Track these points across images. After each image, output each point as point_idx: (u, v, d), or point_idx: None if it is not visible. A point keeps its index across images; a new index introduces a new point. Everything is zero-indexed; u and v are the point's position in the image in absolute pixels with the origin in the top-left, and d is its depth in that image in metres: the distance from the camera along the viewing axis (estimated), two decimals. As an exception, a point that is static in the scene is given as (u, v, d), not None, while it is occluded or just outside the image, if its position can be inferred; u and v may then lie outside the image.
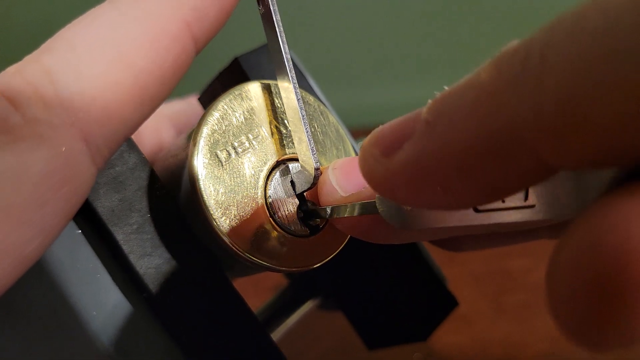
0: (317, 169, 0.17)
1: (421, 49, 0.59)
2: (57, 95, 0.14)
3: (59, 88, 0.14)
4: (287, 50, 0.18)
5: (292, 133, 0.18)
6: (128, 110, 0.15)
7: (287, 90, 0.18)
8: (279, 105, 0.19)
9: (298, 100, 0.18)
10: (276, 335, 0.26)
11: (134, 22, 0.15)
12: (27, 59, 0.15)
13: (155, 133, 0.24)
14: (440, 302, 0.24)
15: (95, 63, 0.14)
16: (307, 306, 0.27)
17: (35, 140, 0.13)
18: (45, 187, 0.13)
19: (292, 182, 0.18)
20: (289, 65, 0.18)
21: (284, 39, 0.18)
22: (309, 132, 0.18)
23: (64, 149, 0.14)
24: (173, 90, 0.17)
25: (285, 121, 0.19)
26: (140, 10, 0.15)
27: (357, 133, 0.28)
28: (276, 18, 0.18)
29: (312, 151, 0.18)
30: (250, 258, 0.17)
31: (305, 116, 0.18)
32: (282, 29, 0.18)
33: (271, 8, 0.18)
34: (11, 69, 0.14)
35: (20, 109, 0.14)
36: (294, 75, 0.18)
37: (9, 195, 0.13)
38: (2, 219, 0.13)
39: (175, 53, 0.16)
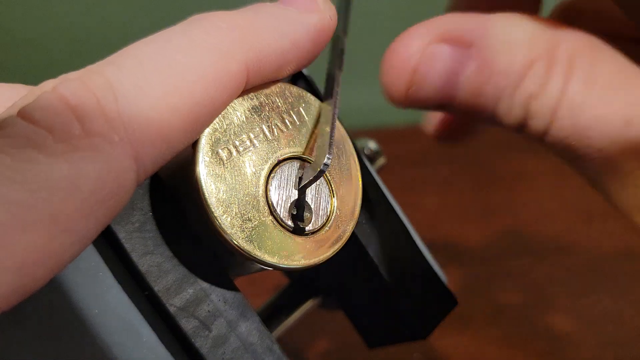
0: (329, 158, 0.18)
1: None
2: (119, 111, 0.14)
3: (121, 104, 0.14)
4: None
5: (321, 124, 0.19)
6: (178, 137, 0.15)
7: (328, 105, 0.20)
8: (280, 104, 0.19)
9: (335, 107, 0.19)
10: (276, 334, 0.26)
11: (202, 54, 0.16)
12: (91, 68, 0.15)
13: None
14: (440, 302, 0.24)
15: (159, 85, 0.15)
16: (307, 306, 0.27)
17: (91, 153, 0.13)
18: (94, 199, 0.13)
19: (293, 180, 0.18)
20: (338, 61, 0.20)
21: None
22: (335, 122, 0.19)
23: (117, 164, 0.14)
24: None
25: (287, 120, 0.19)
26: (210, 43, 0.16)
27: (357, 133, 0.29)
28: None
29: (331, 140, 0.18)
30: (252, 256, 0.17)
31: (336, 105, 0.19)
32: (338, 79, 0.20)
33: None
34: (73, 76, 0.14)
35: (81, 120, 0.14)
36: (342, 65, 0.20)
37: (59, 203, 0.13)
38: (50, 226, 0.13)
39: (229, 92, 0.16)
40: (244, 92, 0.19)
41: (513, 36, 0.21)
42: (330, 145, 0.18)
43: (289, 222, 0.18)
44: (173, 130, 0.15)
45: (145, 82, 0.15)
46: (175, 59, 0.15)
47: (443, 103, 0.22)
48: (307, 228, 0.19)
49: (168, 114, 0.15)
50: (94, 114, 0.14)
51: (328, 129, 0.19)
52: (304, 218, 0.18)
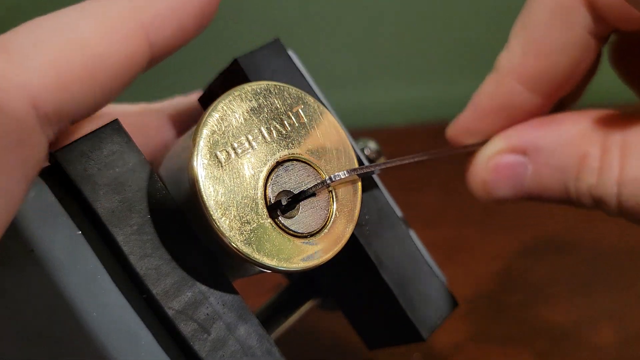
0: (336, 176, 0.19)
1: (421, 49, 0.59)
2: (10, 61, 0.15)
3: (14, 56, 0.16)
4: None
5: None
6: (76, 87, 0.16)
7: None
8: (279, 105, 0.19)
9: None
10: (276, 335, 0.26)
11: (94, 16, 0.17)
12: None
13: (158, 131, 0.25)
14: (440, 303, 0.24)
15: (50, 40, 0.16)
16: (307, 306, 0.27)
17: None
18: (2, 149, 0.14)
19: (292, 182, 0.18)
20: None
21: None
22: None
23: (12, 107, 0.15)
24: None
25: (285, 122, 0.19)
26: (101, 9, 0.17)
27: (357, 133, 0.29)
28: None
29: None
30: (251, 258, 0.17)
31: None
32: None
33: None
34: None
35: None
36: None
37: None
38: None
39: (128, 49, 0.17)
40: (244, 93, 0.18)
41: (564, 136, 0.24)
42: (360, 162, 0.18)
43: (288, 225, 0.18)
44: (70, 80, 0.16)
45: (37, 38, 0.16)
46: (66, 22, 0.17)
47: (519, 197, 0.26)
48: (306, 230, 0.18)
49: (62, 64, 0.16)
50: None
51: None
52: (302, 220, 0.18)
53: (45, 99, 0.16)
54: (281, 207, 0.18)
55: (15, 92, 0.15)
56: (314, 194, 0.19)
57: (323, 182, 0.19)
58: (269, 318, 0.26)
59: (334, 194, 0.19)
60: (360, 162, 0.21)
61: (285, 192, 0.18)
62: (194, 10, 0.19)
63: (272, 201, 0.18)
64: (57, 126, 0.16)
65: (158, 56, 0.19)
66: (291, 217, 0.18)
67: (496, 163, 0.26)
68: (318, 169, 0.19)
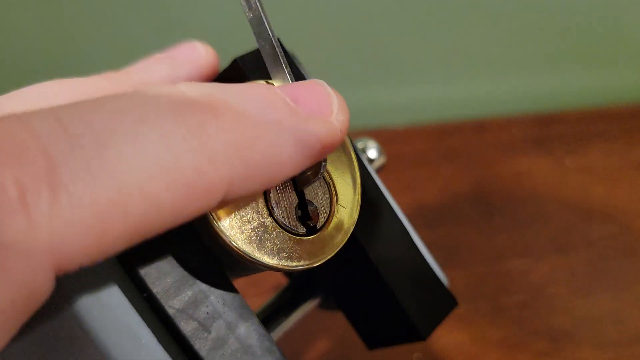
0: (324, 165, 0.18)
1: (421, 50, 0.59)
2: (52, 206, 0.11)
3: (59, 196, 0.11)
4: (280, 49, 0.18)
5: None
6: (118, 242, 0.12)
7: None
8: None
9: None
10: (276, 334, 0.26)
11: (182, 153, 0.13)
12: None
13: None
14: (439, 303, 0.24)
15: (116, 177, 0.12)
16: (307, 306, 0.27)
17: (2, 272, 0.11)
18: (6, 316, 0.11)
19: (293, 181, 0.18)
20: (285, 63, 0.18)
21: (277, 40, 0.18)
22: None
23: (31, 278, 0.11)
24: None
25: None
26: (197, 142, 0.13)
27: (357, 133, 0.29)
28: (266, 19, 0.18)
29: None
30: (251, 258, 0.17)
31: None
32: (273, 29, 0.18)
33: (260, 9, 0.18)
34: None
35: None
36: (289, 67, 0.18)
37: None
38: None
39: (199, 205, 0.13)
40: None
41: None
42: (360, 161, 0.18)
43: (288, 224, 0.18)
44: (115, 240, 0.12)
45: (96, 175, 0.11)
46: (148, 151, 0.12)
47: None
48: (306, 229, 0.18)
49: (115, 221, 0.12)
50: (15, 212, 0.11)
51: None
52: (311, 216, 0.18)
53: (72, 262, 0.12)
54: (307, 215, 0.18)
55: (39, 258, 0.11)
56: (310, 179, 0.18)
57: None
58: (269, 317, 0.26)
59: (334, 193, 0.19)
60: (361, 162, 0.21)
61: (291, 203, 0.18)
62: (302, 160, 0.16)
63: (299, 214, 0.18)
64: (70, 272, 0.12)
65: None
66: (292, 217, 0.18)
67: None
68: None
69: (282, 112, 0.15)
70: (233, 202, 0.16)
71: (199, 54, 0.22)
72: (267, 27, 0.18)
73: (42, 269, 0.11)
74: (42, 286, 0.12)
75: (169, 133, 0.13)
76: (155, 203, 0.12)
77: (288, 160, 0.15)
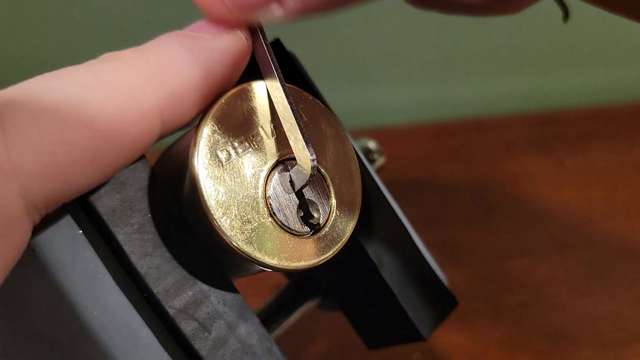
0: (313, 160, 0.17)
1: (421, 50, 0.59)
2: (2, 141, 0.14)
3: (8, 133, 0.14)
4: (268, 45, 0.18)
5: (287, 133, 0.18)
6: (75, 172, 0.15)
7: (275, 88, 0.18)
8: (279, 105, 0.19)
9: (287, 96, 0.18)
10: (276, 334, 0.26)
11: (106, 90, 0.15)
12: None
13: None
14: (440, 302, 0.24)
15: (52, 116, 0.14)
16: (307, 306, 0.27)
17: None
18: None
19: (291, 181, 0.18)
20: (272, 61, 0.18)
21: (265, 35, 0.18)
22: (301, 127, 0.18)
23: (2, 202, 0.13)
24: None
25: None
26: (116, 80, 0.15)
27: (357, 133, 0.29)
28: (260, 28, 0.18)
29: (307, 144, 0.18)
30: (252, 258, 0.17)
31: (295, 111, 0.18)
32: (265, 36, 0.18)
33: None
34: None
35: None
36: (279, 70, 0.18)
37: None
38: None
39: (139, 129, 0.16)
40: (244, 93, 0.18)
41: None
42: (307, 143, 0.18)
43: (289, 224, 0.18)
44: (70, 165, 0.14)
45: (37, 116, 0.14)
46: (74, 95, 0.15)
47: None
48: (307, 229, 0.18)
49: (63, 148, 0.14)
50: None
51: (300, 136, 0.18)
52: (311, 216, 0.18)
53: (37, 188, 0.14)
54: (307, 215, 0.18)
55: (3, 180, 0.13)
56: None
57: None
58: (269, 317, 0.26)
59: (334, 193, 0.19)
60: (361, 162, 0.21)
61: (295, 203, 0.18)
62: (208, 90, 0.17)
63: (302, 214, 0.18)
64: (45, 211, 0.15)
65: (165, 134, 0.17)
66: (292, 217, 0.18)
67: None
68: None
69: (177, 42, 0.17)
70: (173, 128, 0.17)
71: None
72: (259, 32, 0.18)
73: (8, 190, 0.13)
74: (13, 212, 0.13)
75: (87, 83, 0.15)
76: (92, 133, 0.15)
77: (206, 74, 0.17)
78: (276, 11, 0.18)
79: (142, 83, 0.16)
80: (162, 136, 0.17)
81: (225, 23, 0.18)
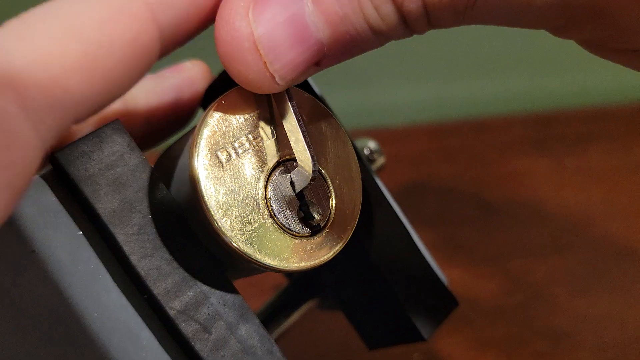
0: (314, 162, 0.17)
1: (421, 50, 0.59)
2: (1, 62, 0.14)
3: (4, 55, 0.14)
4: None
5: (288, 134, 0.18)
6: (74, 81, 0.14)
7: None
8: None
9: (289, 98, 0.18)
10: (276, 335, 0.26)
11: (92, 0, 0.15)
12: None
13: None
14: (440, 302, 0.24)
15: (43, 32, 0.14)
16: (307, 306, 0.27)
17: None
18: None
19: (292, 182, 0.18)
20: None
21: None
22: (303, 128, 0.18)
23: None
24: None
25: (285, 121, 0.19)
26: None
27: (357, 133, 0.29)
28: None
29: (308, 145, 0.18)
30: (252, 258, 0.17)
31: (297, 112, 0.18)
32: None
33: None
34: None
35: None
36: None
37: None
38: None
39: (133, 31, 0.15)
40: (241, 92, 0.18)
41: None
42: (308, 144, 0.18)
43: (289, 225, 0.18)
44: (65, 73, 0.14)
45: (26, 31, 0.14)
46: (61, 9, 0.15)
47: (313, 58, 0.17)
48: (307, 230, 0.18)
49: (55, 57, 0.14)
50: None
51: (301, 137, 0.18)
52: (312, 217, 0.18)
53: (34, 96, 0.14)
54: (307, 215, 0.18)
55: (4, 95, 0.13)
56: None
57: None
58: (269, 318, 0.26)
59: (334, 193, 0.19)
60: (361, 162, 0.21)
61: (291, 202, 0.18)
62: None
63: (302, 215, 0.18)
64: (55, 127, 0.14)
65: (170, 41, 0.17)
66: (292, 218, 0.18)
67: (260, 15, 0.17)
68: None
69: None
70: (174, 33, 0.17)
71: (185, 67, 0.24)
72: None
73: (3, 99, 0.13)
74: (12, 121, 0.13)
75: None
76: (84, 39, 0.15)
77: None
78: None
79: None
80: (169, 43, 0.17)
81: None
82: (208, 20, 0.18)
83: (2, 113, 0.13)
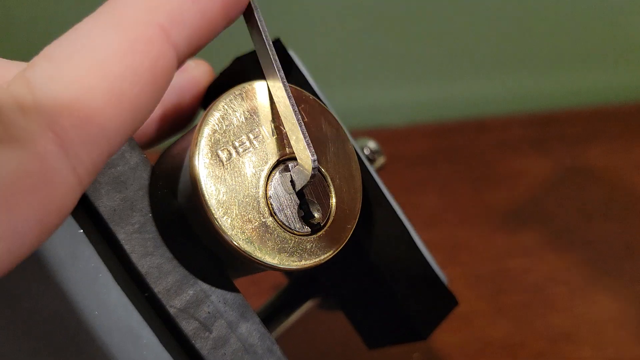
0: (314, 161, 0.17)
1: (421, 49, 0.59)
2: (34, 101, 0.14)
3: (36, 95, 0.14)
4: (271, 45, 0.18)
5: (289, 133, 0.18)
6: (106, 115, 0.15)
7: (277, 89, 0.18)
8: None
9: (289, 97, 0.18)
10: (276, 334, 0.26)
11: (109, 30, 0.16)
12: (16, 75, 0.15)
13: None
14: (440, 302, 0.24)
15: (70, 70, 0.15)
16: (307, 306, 0.27)
17: (8, 142, 0.13)
18: (16, 188, 0.13)
19: (292, 181, 0.18)
20: (275, 62, 0.18)
21: (268, 35, 0.18)
22: (303, 127, 0.18)
23: (38, 149, 0.13)
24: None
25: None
26: (116, 18, 0.16)
27: (357, 133, 0.29)
28: (258, 16, 0.18)
29: (308, 144, 0.18)
30: (253, 257, 0.17)
31: (297, 111, 0.18)
32: (265, 25, 0.18)
33: (252, 6, 0.18)
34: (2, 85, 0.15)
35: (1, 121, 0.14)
36: (282, 71, 0.18)
37: None
38: None
39: (151, 57, 0.16)
40: (245, 92, 0.18)
41: None
42: (309, 143, 0.18)
43: (289, 223, 0.18)
44: (97, 109, 0.15)
45: (56, 70, 0.15)
46: (82, 43, 0.15)
47: None
48: (307, 229, 0.18)
49: (85, 94, 0.14)
50: (10, 109, 0.14)
51: (301, 136, 0.18)
52: (312, 216, 0.18)
53: (72, 136, 0.14)
54: (307, 214, 0.18)
55: (40, 132, 0.14)
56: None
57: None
58: (269, 317, 0.26)
59: (334, 193, 0.19)
60: (361, 162, 0.21)
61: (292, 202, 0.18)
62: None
63: (302, 214, 0.18)
64: (91, 165, 0.15)
65: (185, 57, 0.17)
66: (293, 216, 0.18)
67: None
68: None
69: None
70: (189, 47, 0.17)
71: (188, 67, 0.25)
72: (263, 32, 0.18)
73: (45, 139, 0.14)
74: (52, 161, 0.14)
75: (91, 28, 0.16)
76: (108, 72, 0.15)
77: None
78: None
79: (140, 12, 0.16)
80: (183, 58, 0.17)
81: None
82: (218, 29, 0.18)
83: (43, 153, 0.14)
